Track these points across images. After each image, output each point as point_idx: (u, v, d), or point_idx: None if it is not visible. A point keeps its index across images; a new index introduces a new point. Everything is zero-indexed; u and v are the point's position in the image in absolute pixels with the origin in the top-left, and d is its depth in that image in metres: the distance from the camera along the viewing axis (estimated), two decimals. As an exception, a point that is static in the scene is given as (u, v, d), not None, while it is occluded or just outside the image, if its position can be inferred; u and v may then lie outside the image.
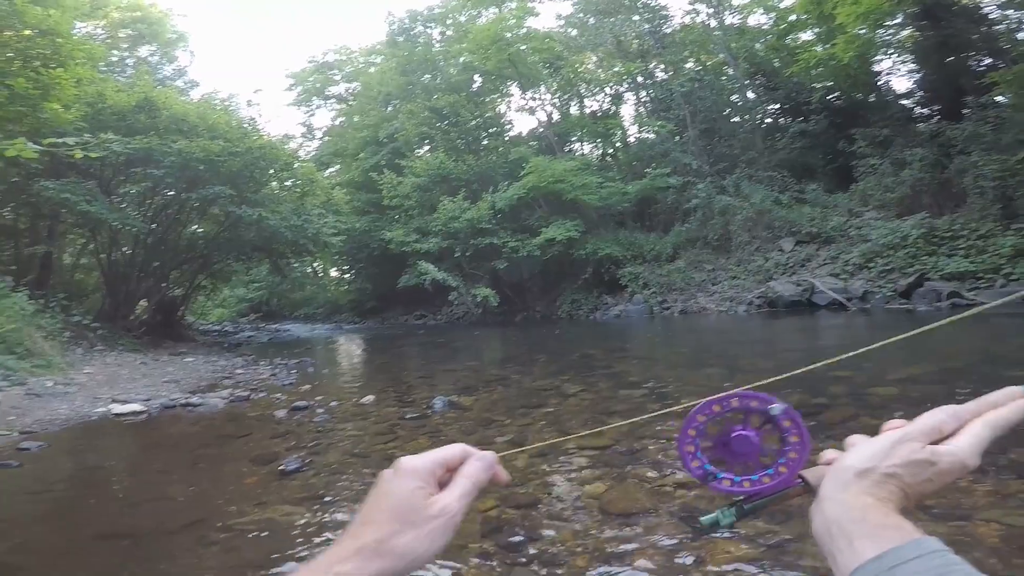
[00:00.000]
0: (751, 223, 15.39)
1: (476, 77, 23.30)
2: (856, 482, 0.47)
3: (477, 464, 0.52)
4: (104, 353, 9.36)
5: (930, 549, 0.40)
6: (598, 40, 22.20)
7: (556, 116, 23.81)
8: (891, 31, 15.32)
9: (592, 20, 22.95)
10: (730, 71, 20.26)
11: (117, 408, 4.95)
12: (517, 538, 2.12)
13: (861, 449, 0.50)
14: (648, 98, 22.53)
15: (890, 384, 4.12)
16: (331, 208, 18.10)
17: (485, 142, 23.66)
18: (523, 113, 34.17)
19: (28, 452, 3.65)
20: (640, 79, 22.26)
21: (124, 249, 13.48)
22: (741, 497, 0.55)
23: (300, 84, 32.80)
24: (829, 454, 0.54)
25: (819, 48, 16.82)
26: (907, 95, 16.63)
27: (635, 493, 2.51)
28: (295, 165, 16.33)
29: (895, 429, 0.51)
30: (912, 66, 16.17)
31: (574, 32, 23.74)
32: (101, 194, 11.38)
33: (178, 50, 22.09)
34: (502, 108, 25.07)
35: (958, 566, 0.39)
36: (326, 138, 31.93)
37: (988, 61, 13.92)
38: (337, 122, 32.28)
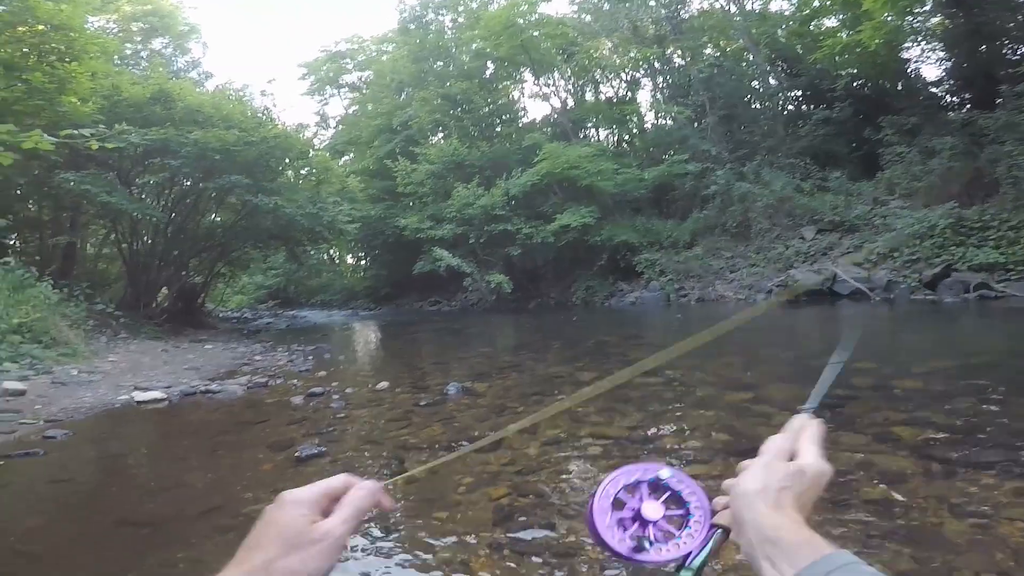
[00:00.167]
0: (771, 210, 15.14)
1: (489, 64, 23.10)
2: (760, 500, 0.53)
3: (359, 492, 0.54)
4: (127, 341, 9.56)
5: (840, 563, 0.44)
6: (613, 26, 21.84)
7: (571, 102, 23.57)
8: (920, 18, 14.86)
9: (607, 5, 22.55)
10: (751, 57, 19.81)
11: (139, 396, 5.04)
12: (528, 528, 2.11)
13: (749, 473, 0.57)
14: (665, 84, 22.15)
15: (915, 377, 4.03)
16: (346, 196, 18.21)
17: (499, 129, 23.53)
18: (537, 100, 33.93)
19: (53, 440, 3.73)
20: (657, 65, 21.88)
21: (145, 238, 13.71)
22: (678, 561, 0.57)
23: (313, 73, 32.84)
24: (726, 483, 0.60)
25: (844, 35, 16.35)
26: (936, 83, 16.17)
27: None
28: (310, 154, 16.42)
29: (749, 461, 0.59)
30: (941, 54, 15.70)
31: (588, 18, 23.37)
32: (120, 185, 11.56)
33: (191, 42, 22.20)
34: (515, 95, 24.93)
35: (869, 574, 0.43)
36: (340, 127, 32.02)
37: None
38: (351, 111, 32.33)
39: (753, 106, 19.70)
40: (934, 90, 16.02)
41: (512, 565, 1.87)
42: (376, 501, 0.55)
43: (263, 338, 11.91)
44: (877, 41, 14.00)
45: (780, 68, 19.21)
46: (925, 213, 11.89)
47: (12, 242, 11.60)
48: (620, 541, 0.56)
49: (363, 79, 32.34)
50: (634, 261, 16.65)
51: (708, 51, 21.26)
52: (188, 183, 13.43)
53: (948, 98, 15.81)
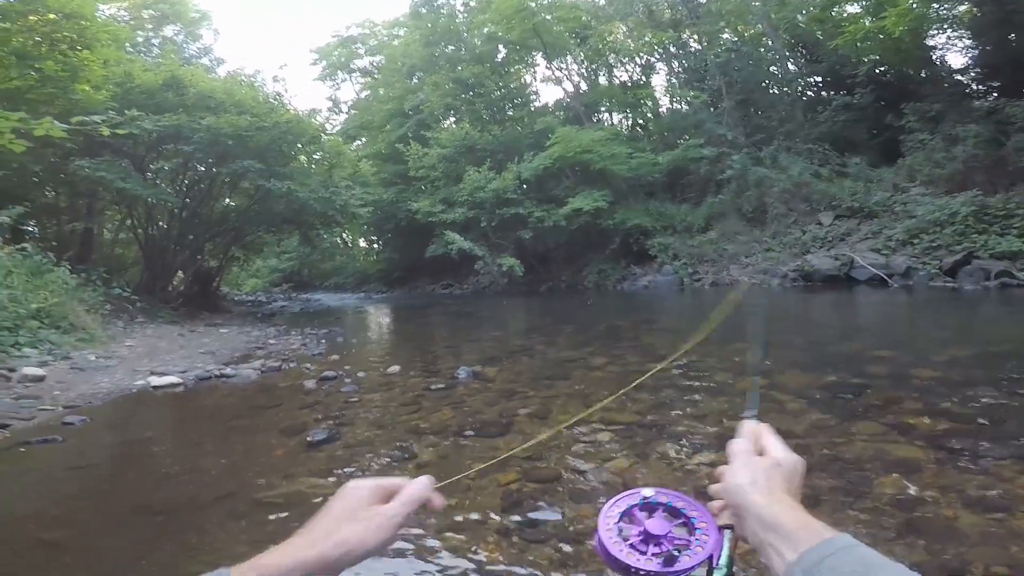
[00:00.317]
0: (788, 195, 14.91)
1: (501, 48, 22.85)
2: (753, 491, 0.56)
3: (415, 485, 0.63)
4: (144, 325, 9.70)
5: (839, 546, 0.45)
6: (628, 9, 21.45)
7: (584, 86, 23.26)
8: (947, 5, 14.41)
9: (621, -11, 22.11)
10: (769, 42, 19.36)
11: (155, 380, 5.11)
12: (537, 514, 2.11)
13: (734, 470, 0.60)
14: (681, 68, 21.74)
15: (933, 366, 3.96)
16: (358, 180, 18.24)
17: (510, 113, 23.34)
18: (549, 83, 33.56)
19: (71, 427, 3.78)
20: (672, 49, 21.47)
21: (160, 223, 13.87)
22: (705, 563, 0.58)
23: (324, 59, 32.76)
24: (712, 489, 0.64)
25: (867, 21, 15.91)
26: (962, 71, 15.73)
27: (659, 470, 2.48)
28: (322, 139, 16.42)
29: (725, 467, 0.62)
30: (968, 42, 15.24)
31: (602, 1, 22.96)
32: (135, 171, 11.66)
33: (202, 29, 22.30)
34: (527, 79, 24.66)
35: (874, 557, 0.44)
36: (352, 111, 31.97)
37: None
38: (363, 95, 32.25)
39: (771, 91, 19.32)
40: (959, 78, 15.61)
41: (520, 551, 1.87)
42: (428, 496, 0.63)
43: (277, 321, 12.03)
44: (902, 28, 13.64)
45: (800, 54, 18.79)
46: (947, 200, 11.65)
47: (31, 229, 11.78)
48: (648, 562, 0.57)
49: (375, 64, 32.22)
50: (647, 245, 16.54)
51: (725, 36, 20.78)
52: (202, 168, 13.53)
53: (974, 86, 15.41)
